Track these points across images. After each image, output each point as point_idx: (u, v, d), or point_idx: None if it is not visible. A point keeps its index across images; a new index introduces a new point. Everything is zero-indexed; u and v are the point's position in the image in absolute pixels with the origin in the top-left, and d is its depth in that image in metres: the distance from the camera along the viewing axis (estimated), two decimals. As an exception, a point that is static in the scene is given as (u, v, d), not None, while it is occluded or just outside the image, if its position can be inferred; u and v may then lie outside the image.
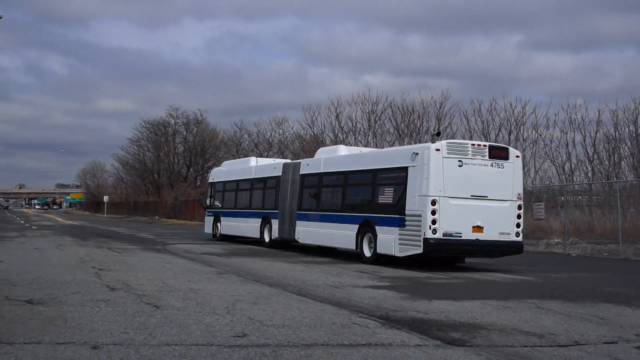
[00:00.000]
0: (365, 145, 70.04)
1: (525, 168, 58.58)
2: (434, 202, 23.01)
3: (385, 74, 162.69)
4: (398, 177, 24.41)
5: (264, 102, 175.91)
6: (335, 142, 72.52)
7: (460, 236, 23.30)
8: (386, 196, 24.99)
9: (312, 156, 33.41)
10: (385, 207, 24.87)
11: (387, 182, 25.02)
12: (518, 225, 24.19)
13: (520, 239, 24.29)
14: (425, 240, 23.04)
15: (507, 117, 66.06)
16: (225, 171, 40.65)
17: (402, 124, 73.28)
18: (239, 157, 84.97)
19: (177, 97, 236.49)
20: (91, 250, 27.93)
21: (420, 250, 23.20)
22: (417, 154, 23.75)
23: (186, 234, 47.46)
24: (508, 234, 24.00)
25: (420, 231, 23.15)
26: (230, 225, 38.59)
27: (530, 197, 42.77)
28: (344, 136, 77.01)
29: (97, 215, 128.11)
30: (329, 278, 19.65)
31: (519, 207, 24.25)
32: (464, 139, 60.85)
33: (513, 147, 43.53)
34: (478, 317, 13.48)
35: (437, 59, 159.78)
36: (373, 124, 76.10)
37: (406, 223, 23.66)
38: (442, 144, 23.51)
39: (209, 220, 41.40)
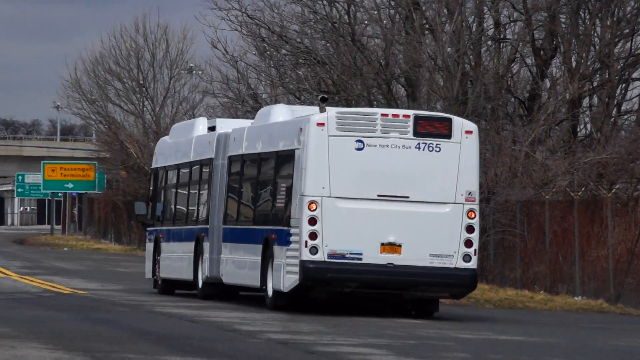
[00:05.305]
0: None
1: None
2: (312, 206, 16.65)
3: None
4: (287, 167, 17.86)
5: None
6: None
7: (360, 259, 16.59)
8: (281, 196, 18.13)
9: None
10: (280, 214, 17.99)
11: (282, 173, 18.17)
12: (469, 244, 16.37)
13: (471, 264, 16.52)
14: (302, 264, 16.65)
15: None
16: (170, 145, 24.59)
17: None
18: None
19: None
20: None
21: (296, 281, 16.93)
22: (302, 129, 16.98)
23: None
24: (448, 256, 16.32)
25: (297, 251, 16.88)
26: (170, 259, 23.28)
27: None
28: None
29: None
30: None
31: (471, 214, 16.42)
32: None
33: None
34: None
35: None
36: None
37: (291, 239, 17.24)
38: (328, 115, 16.74)
39: (149, 251, 24.58)
